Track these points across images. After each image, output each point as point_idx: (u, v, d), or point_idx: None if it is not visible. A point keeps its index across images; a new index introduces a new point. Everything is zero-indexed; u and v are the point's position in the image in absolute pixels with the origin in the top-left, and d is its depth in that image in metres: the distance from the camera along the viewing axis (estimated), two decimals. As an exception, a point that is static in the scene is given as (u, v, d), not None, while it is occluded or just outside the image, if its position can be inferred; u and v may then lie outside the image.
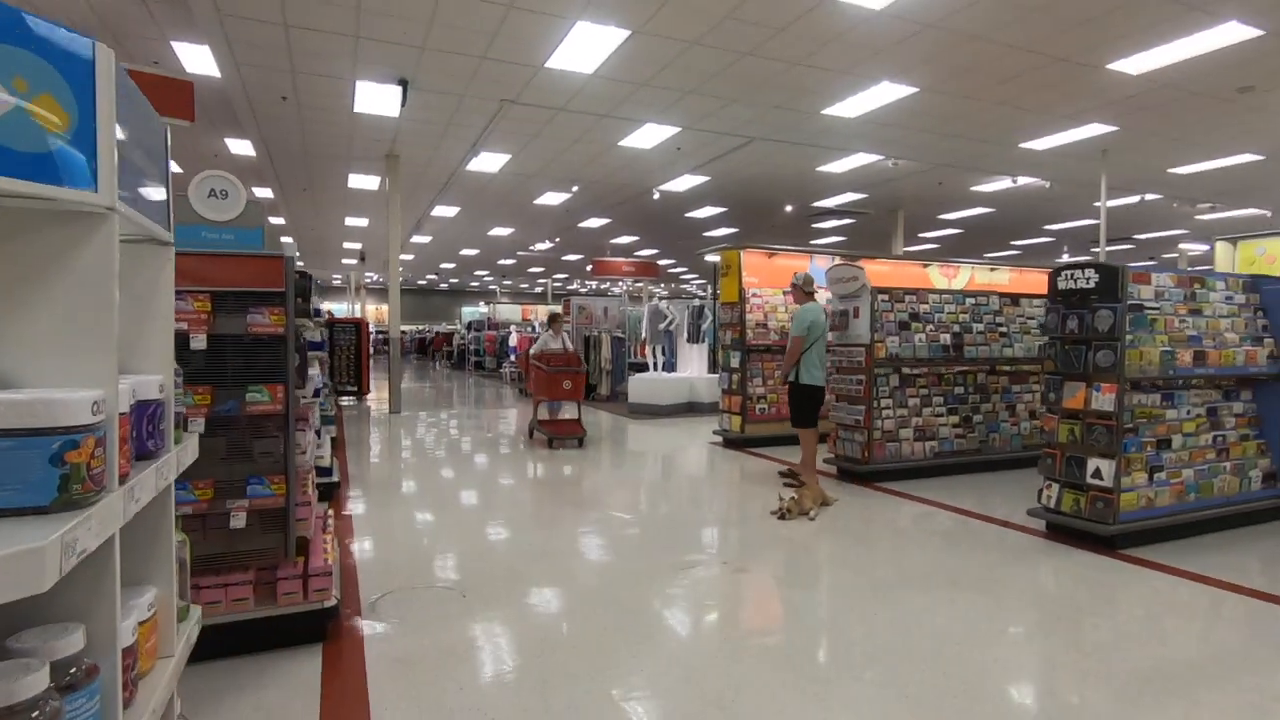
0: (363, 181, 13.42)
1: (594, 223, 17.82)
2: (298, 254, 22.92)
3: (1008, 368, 7.02)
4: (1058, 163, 11.56)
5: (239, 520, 2.72)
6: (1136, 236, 19.66)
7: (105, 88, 0.83)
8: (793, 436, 8.25)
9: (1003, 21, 6.59)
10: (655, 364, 12.78)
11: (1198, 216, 15.86)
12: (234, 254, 2.76)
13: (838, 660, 2.89)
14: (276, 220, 18.24)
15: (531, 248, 22.67)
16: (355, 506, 5.32)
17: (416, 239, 20.31)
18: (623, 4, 6.28)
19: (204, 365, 2.71)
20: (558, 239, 20.51)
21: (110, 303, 0.86)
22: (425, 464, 7.21)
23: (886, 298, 6.45)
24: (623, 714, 2.44)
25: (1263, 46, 7.03)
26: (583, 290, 37.80)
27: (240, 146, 11.31)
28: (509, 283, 38.87)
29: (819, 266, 9.17)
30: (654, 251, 24.25)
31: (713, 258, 9.71)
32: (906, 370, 6.47)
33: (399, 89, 8.27)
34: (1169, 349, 4.45)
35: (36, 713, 0.76)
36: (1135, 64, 7.53)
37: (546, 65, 7.67)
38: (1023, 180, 12.51)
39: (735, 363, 8.41)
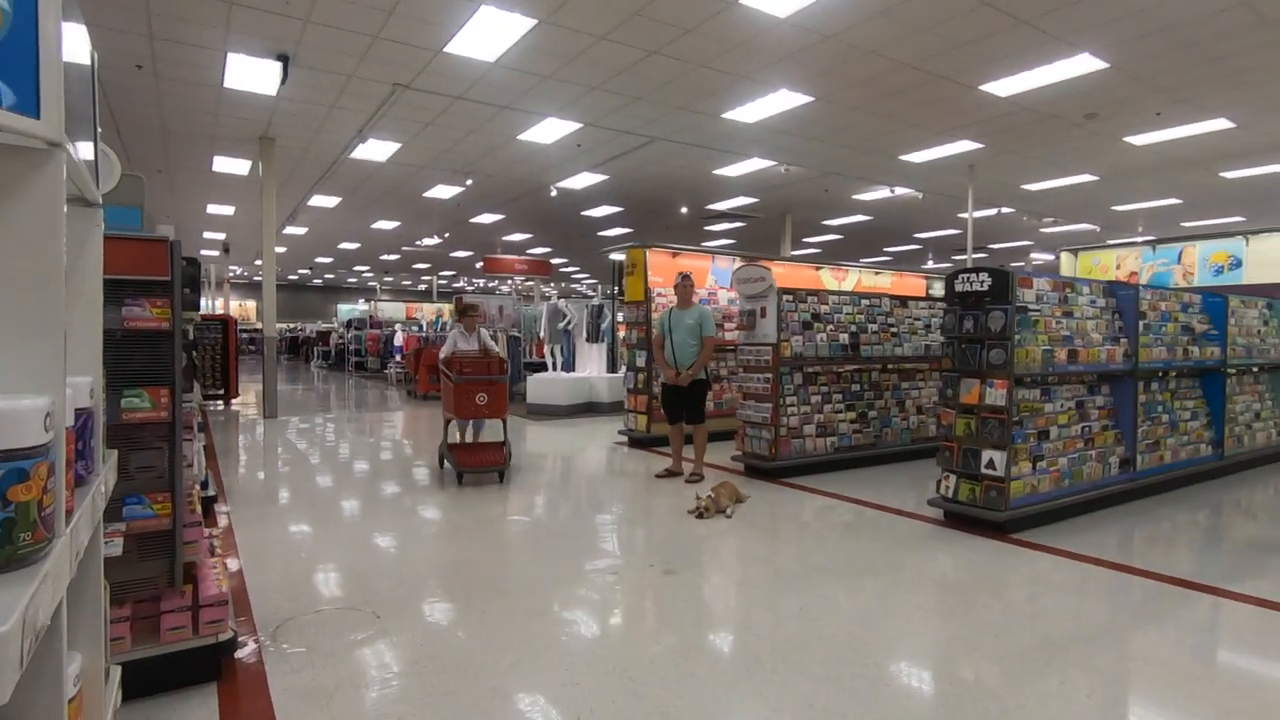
0: (230, 165, 12.24)
1: (486, 218, 17.29)
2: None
3: (898, 366, 7.43)
4: (931, 175, 12.45)
5: (114, 548, 2.31)
6: (991, 246, 21.60)
7: None
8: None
9: (894, 38, 6.97)
10: (554, 364, 12.55)
11: (1042, 229, 17.63)
12: (107, 235, 2.35)
13: (759, 649, 2.88)
14: (123, 205, 16.31)
15: (418, 242, 21.67)
16: (238, 523, 4.78)
17: (290, 230, 18.83)
18: (531, -9, 6.08)
19: (67, 366, 2.29)
20: (447, 234, 19.73)
21: (56, 274, 0.62)
22: (309, 474, 6.65)
23: (791, 298, 6.64)
24: (571, 734, 2.30)
25: (1108, 78, 7.88)
26: (469, 288, 36.68)
27: (81, 119, 9.99)
28: (391, 279, 37.01)
29: (721, 267, 9.35)
30: (547, 250, 23.90)
31: (617, 256, 9.65)
32: (809, 369, 6.69)
33: (278, 65, 7.58)
34: (1049, 348, 4.84)
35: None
36: (1003, 86, 8.21)
37: (445, 50, 7.29)
38: (899, 190, 13.38)
39: (640, 362, 8.38)
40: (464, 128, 10.02)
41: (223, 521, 4.78)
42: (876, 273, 10.98)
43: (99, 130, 1.00)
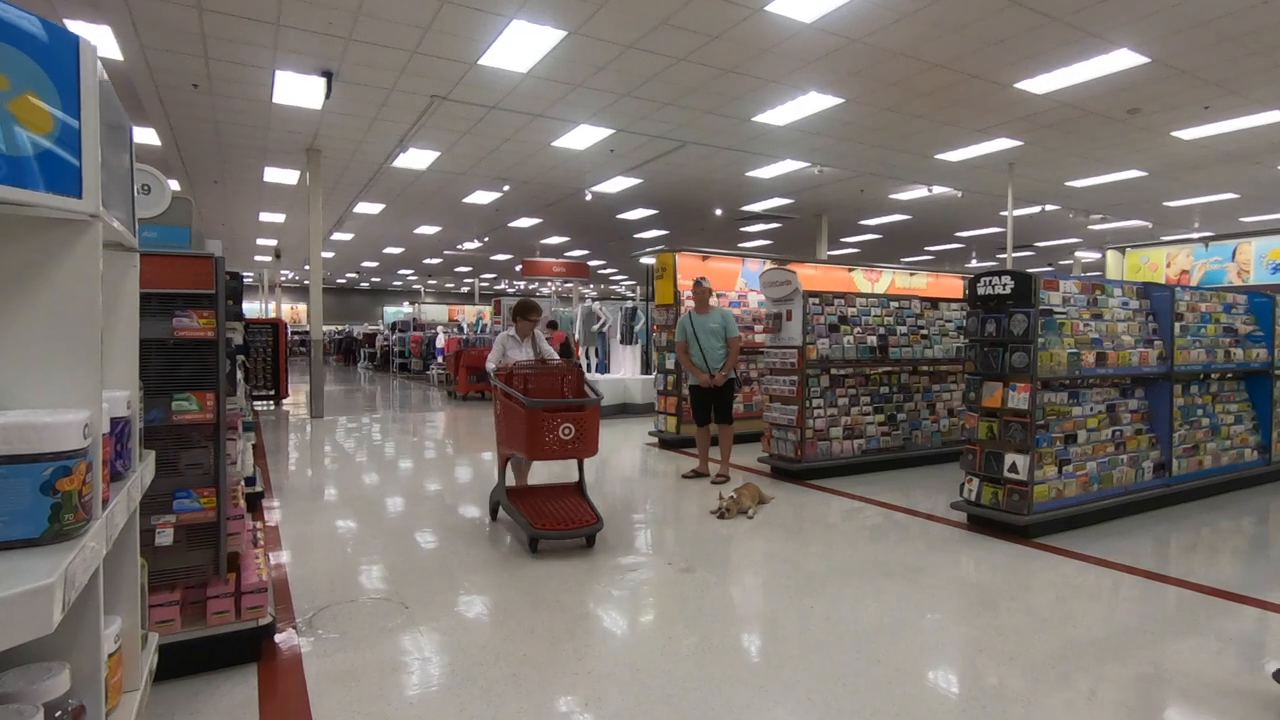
0: (280, 176, 12.79)
1: (524, 222, 17.62)
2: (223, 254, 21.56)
3: (928, 368, 7.38)
4: (969, 174, 12.25)
5: (165, 537, 2.56)
6: (1037, 244, 21.06)
7: (90, 87, 0.76)
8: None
9: (924, 39, 6.94)
10: (588, 365, 12.75)
11: (1090, 226, 17.13)
12: (158, 253, 2.59)
13: (779, 651, 2.97)
14: (183, 214, 17.14)
15: (459, 247, 22.19)
16: (282, 517, 5.07)
17: (337, 236, 19.53)
18: (560, 4, 6.25)
19: (125, 372, 2.53)
20: (486, 238, 20.16)
21: (94, 315, 0.79)
22: (351, 471, 6.95)
23: (817, 301, 6.68)
24: (579, 720, 2.44)
25: (1149, 73, 7.68)
26: (510, 291, 37.30)
27: (145, 135, 10.57)
28: (434, 282, 37.92)
29: (751, 270, 9.40)
30: (584, 252, 24.19)
31: (648, 260, 9.78)
32: (835, 371, 6.71)
33: (323, 81, 7.94)
34: (1075, 350, 4.79)
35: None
36: (1040, 84, 8.07)
37: (480, 62, 7.54)
38: (937, 189, 13.19)
39: (670, 364, 8.49)
40: (500, 136, 10.29)
41: (269, 516, 5.08)
42: (911, 274, 10.87)
43: (135, 188, 1.17)
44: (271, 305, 29.58)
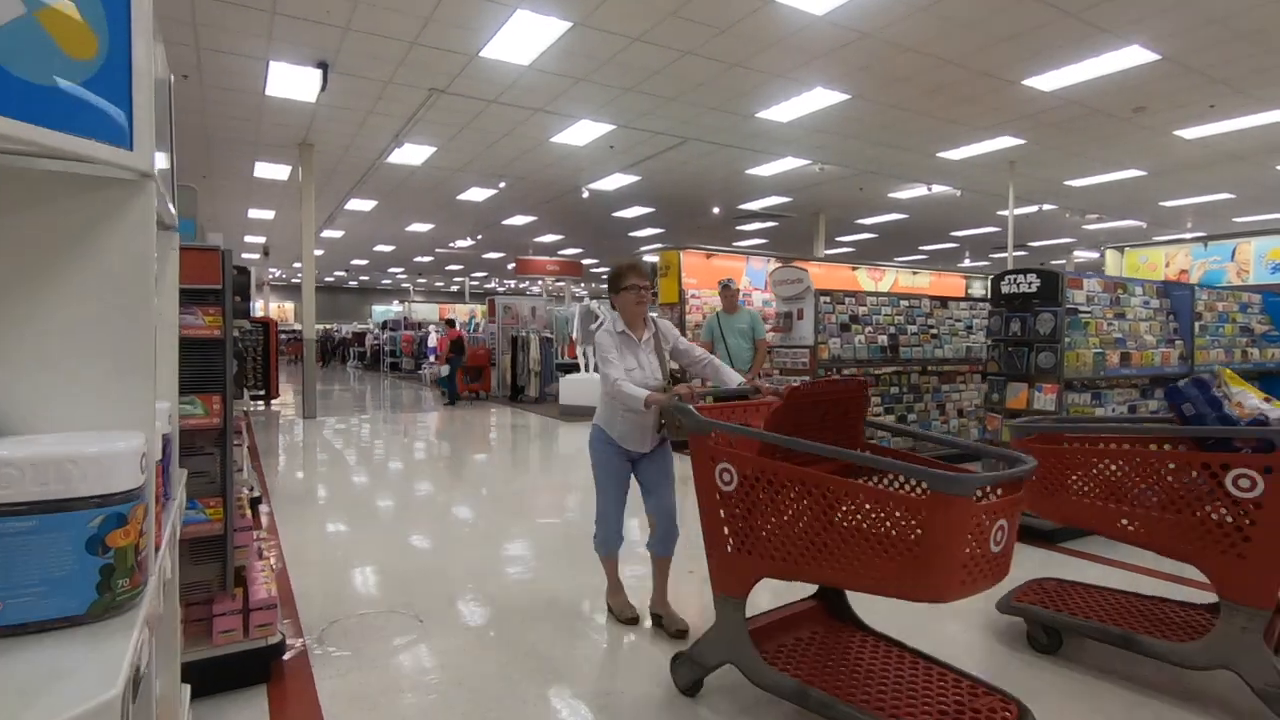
0: (271, 171, 12.52)
1: (519, 220, 17.41)
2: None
3: (938, 368, 7.27)
4: (969, 172, 12.18)
5: (169, 551, 2.37)
6: (1031, 244, 21.09)
7: (143, 5, 0.58)
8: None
9: (935, 34, 6.82)
10: (586, 365, 12.58)
11: (1085, 226, 17.15)
12: (161, 246, 2.40)
13: (823, 670, 2.83)
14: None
15: (451, 245, 21.92)
16: (281, 523, 4.87)
17: (327, 233, 19.20)
18: (566, -6, 6.09)
19: (125, 374, 2.34)
20: (480, 236, 19.92)
21: (147, 305, 0.62)
22: (348, 474, 6.75)
23: (828, 300, 6.55)
24: (616, 745, 2.28)
25: (1159, 70, 7.61)
26: (500, 289, 37.01)
27: (130, 128, 10.29)
28: (424, 280, 37.56)
29: (755, 268, 9.27)
30: (578, 251, 23.99)
31: (651, 258, 9.63)
32: (848, 371, 6.58)
33: (318, 72, 7.72)
34: (1100, 350, 4.69)
35: None
36: (1048, 81, 7.99)
37: (481, 54, 7.35)
38: (937, 188, 13.12)
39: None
40: (498, 131, 10.09)
41: (266, 523, 4.87)
42: (914, 272, 10.79)
43: (174, 142, 0.99)
44: (260, 304, 29.13)
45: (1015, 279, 4.65)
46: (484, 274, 32.55)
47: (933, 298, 7.43)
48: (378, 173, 12.42)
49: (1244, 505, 2.34)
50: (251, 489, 4.91)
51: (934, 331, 7.18)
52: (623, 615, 3.21)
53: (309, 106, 9.02)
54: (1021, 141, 10.36)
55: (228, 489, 2.51)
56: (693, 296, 8.51)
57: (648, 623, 3.21)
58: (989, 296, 4.93)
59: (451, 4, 6.24)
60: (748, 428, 2.39)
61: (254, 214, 16.94)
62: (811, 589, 2.83)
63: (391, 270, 32.40)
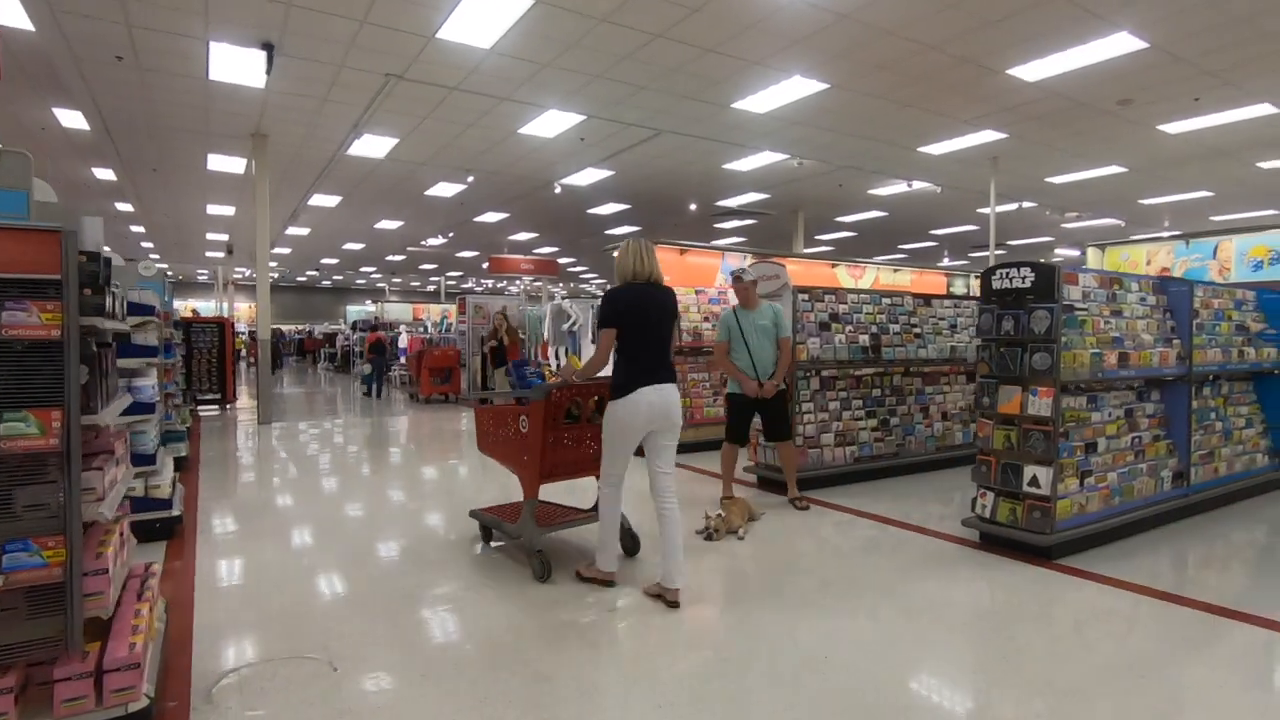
0: (225, 164, 11.91)
1: (491, 217, 16.90)
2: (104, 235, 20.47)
3: (921, 369, 6.93)
4: (950, 168, 11.91)
5: (-14, 607, 1.90)
6: (1010, 242, 20.99)
7: None
8: (710, 443, 7.91)
9: (915, 17, 6.48)
10: (558, 366, 12.12)
11: (1064, 225, 17.02)
12: (-20, 225, 1.94)
13: (769, 697, 2.43)
14: (123, 207, 16.07)
15: (423, 243, 21.33)
16: (201, 547, 4.37)
17: (293, 231, 18.55)
18: (525, -32, 5.65)
19: (-71, 385, 1.88)
20: (452, 234, 19.38)
21: None
22: (297, 485, 6.24)
23: (807, 297, 6.17)
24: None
25: (1147, 59, 7.34)
26: (479, 289, 36.36)
27: (72, 119, 9.67)
28: (399, 280, 36.82)
29: (732, 265, 8.88)
30: (554, 249, 23.50)
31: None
32: (826, 373, 6.21)
33: (263, 54, 7.19)
34: (1097, 350, 4.34)
35: None
36: (1033, 70, 7.69)
37: (438, 36, 6.88)
38: (917, 185, 12.84)
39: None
40: (462, 121, 9.61)
41: (184, 549, 4.37)
42: (895, 270, 10.48)
43: None
44: (226, 304, 28.25)
45: (1008, 273, 4.29)
46: (459, 273, 31.91)
47: (916, 295, 7.09)
48: (339, 166, 11.86)
49: (522, 436, 3.90)
50: (169, 505, 4.42)
51: (917, 330, 6.84)
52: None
53: (258, 93, 8.47)
54: (1004, 136, 10.09)
55: (72, 524, 2.04)
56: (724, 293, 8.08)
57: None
58: (980, 292, 4.56)
59: (401, -22, 5.78)
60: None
61: (213, 210, 16.26)
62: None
63: (364, 269, 31.67)
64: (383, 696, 2.56)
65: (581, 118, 9.37)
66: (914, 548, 4.45)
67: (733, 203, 15.19)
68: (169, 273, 31.49)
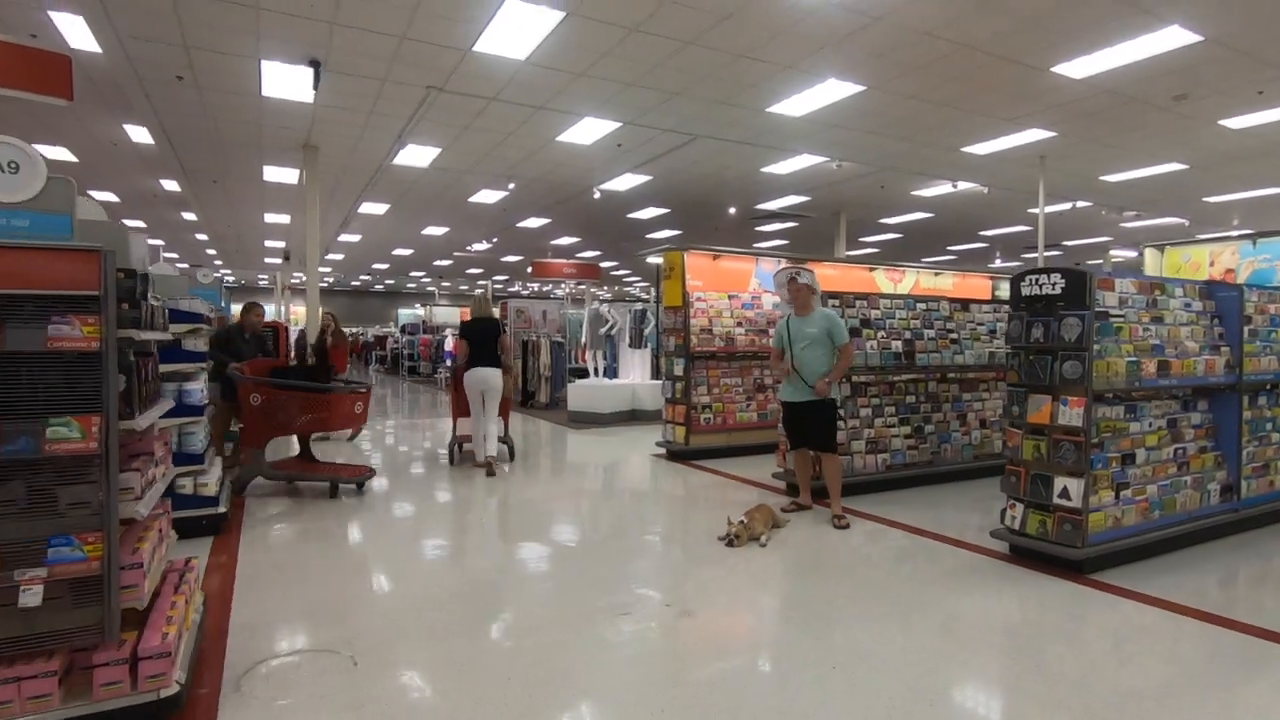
0: (280, 174, 12.42)
1: (533, 223, 17.17)
2: (161, 257, 21.44)
3: (958, 375, 6.78)
4: (997, 168, 11.59)
5: (32, 596, 2.08)
6: (1065, 243, 20.26)
7: None
8: (743, 448, 7.93)
9: (952, 17, 6.35)
10: (596, 370, 12.26)
11: (1123, 224, 16.36)
12: (27, 246, 2.12)
13: (789, 713, 2.44)
14: (188, 216, 16.91)
15: (468, 248, 21.79)
16: (245, 544, 4.60)
17: (345, 238, 19.20)
18: (556, -19, 5.77)
19: (-17, 391, 2.06)
20: (496, 239, 19.75)
21: None
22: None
23: (837, 303, 6.11)
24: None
25: (1201, 53, 7.03)
26: (525, 293, 36.92)
27: (140, 133, 10.24)
28: (447, 284, 37.65)
29: (765, 270, 8.85)
30: (596, 253, 23.71)
31: (655, 260, 9.25)
32: (858, 379, 6.15)
33: (310, 71, 7.50)
34: (1134, 359, 4.20)
35: None
36: (1079, 67, 7.44)
37: (475, 49, 7.06)
38: (962, 185, 12.53)
39: (679, 370, 7.96)
40: (502, 130, 9.82)
41: (232, 542, 4.61)
42: (936, 273, 10.25)
43: None
44: (284, 308, 29.36)
45: (1038, 279, 4.19)
46: (505, 277, 32.46)
47: (953, 300, 6.94)
48: (386, 175, 12.24)
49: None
50: (216, 500, 4.66)
51: (954, 336, 6.70)
52: None
53: (307, 107, 8.83)
54: (1052, 134, 9.77)
55: (110, 521, 2.21)
56: (698, 299, 8.11)
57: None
58: (1010, 298, 4.46)
59: (437, -6, 5.96)
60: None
61: (270, 218, 16.95)
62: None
63: (414, 274, 32.50)
64: (395, 689, 2.67)
65: (617, 124, 9.47)
66: (941, 559, 4.38)
67: (773, 205, 15.09)
68: (230, 278, 32.97)
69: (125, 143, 10.69)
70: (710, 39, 6.82)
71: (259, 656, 2.94)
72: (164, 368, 3.90)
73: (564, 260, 22.86)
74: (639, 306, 11.81)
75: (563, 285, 30.63)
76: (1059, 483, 4.05)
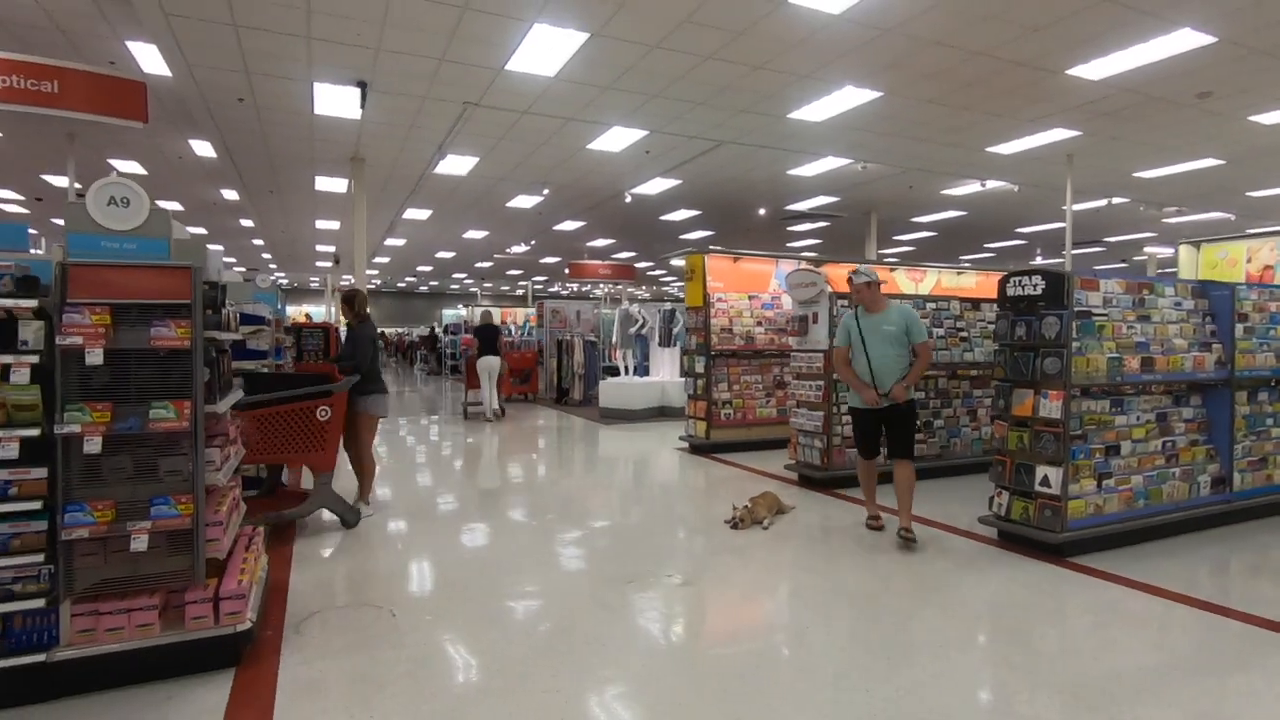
0: (330, 184, 13.22)
1: (568, 225, 17.72)
2: (224, 263, 22.61)
3: (968, 372, 7.01)
4: (1024, 167, 11.64)
5: (140, 543, 2.61)
6: (1106, 239, 19.91)
7: None
8: (762, 443, 8.28)
9: (958, 28, 6.59)
10: (626, 368, 12.71)
11: (1165, 220, 16.08)
12: (135, 265, 2.65)
13: (789, 676, 2.82)
14: (246, 223, 17.96)
15: (508, 250, 22.52)
16: (305, 522, 5.17)
17: (391, 241, 20.08)
18: (579, 6, 6.21)
19: (103, 381, 2.60)
20: (534, 241, 20.39)
21: None
22: (388, 471, 7.07)
23: (846, 303, 6.41)
24: (536, 741, 2.36)
25: (1217, 53, 7.10)
26: (563, 293, 37.67)
27: (204, 148, 11.10)
28: (489, 285, 38.65)
29: (784, 270, 9.16)
30: (631, 254, 24.18)
31: (678, 262, 9.64)
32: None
33: (358, 91, 8.13)
34: (1116, 355, 4.44)
35: None
36: (1095, 69, 7.56)
37: (507, 68, 7.57)
38: (991, 184, 12.58)
39: (700, 368, 8.35)
40: (535, 140, 10.34)
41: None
42: (959, 273, 10.39)
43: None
44: (333, 309, 30.66)
45: (1021, 281, 4.47)
46: (544, 278, 33.21)
47: (964, 299, 7.16)
48: (428, 183, 12.92)
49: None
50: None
51: (964, 334, 6.93)
52: None
53: (355, 123, 9.50)
54: (1076, 133, 9.82)
55: (198, 486, 2.73)
56: (719, 299, 8.47)
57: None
58: (997, 298, 4.74)
59: (471, 21, 6.47)
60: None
61: (321, 224, 17.89)
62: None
63: (456, 275, 33.51)
64: (427, 637, 3.16)
65: (644, 133, 9.89)
66: (936, 543, 4.68)
67: (803, 206, 15.31)
68: (284, 281, 34.51)
69: (190, 157, 11.58)
70: (727, 53, 7.19)
71: (314, 609, 3.46)
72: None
73: (600, 261, 23.39)
74: (668, 306, 12.21)
75: (600, 286, 31.27)
76: (1040, 471, 4.33)
